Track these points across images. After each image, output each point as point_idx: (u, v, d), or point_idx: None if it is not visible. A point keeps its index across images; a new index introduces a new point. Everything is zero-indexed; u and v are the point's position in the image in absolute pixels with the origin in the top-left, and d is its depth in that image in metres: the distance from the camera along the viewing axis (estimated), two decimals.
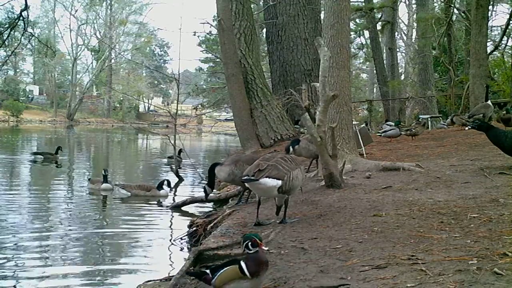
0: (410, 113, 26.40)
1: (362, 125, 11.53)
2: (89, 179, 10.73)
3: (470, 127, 6.22)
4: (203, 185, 6.95)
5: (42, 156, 15.92)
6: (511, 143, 5.68)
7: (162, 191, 9.74)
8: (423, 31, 24.79)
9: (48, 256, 5.54)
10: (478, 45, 14.23)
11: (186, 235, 6.18)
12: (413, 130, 11.23)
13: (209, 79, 37.51)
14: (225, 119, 36.89)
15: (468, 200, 4.46)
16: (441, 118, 18.41)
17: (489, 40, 21.60)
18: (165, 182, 9.98)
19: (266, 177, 4.22)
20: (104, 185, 10.09)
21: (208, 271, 2.82)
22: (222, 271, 2.75)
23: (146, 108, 72.10)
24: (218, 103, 27.78)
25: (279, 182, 4.25)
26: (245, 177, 4.25)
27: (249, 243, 2.75)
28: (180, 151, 14.74)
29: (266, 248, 2.76)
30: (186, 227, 6.46)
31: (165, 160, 16.30)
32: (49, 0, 65.50)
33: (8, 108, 54.43)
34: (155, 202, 9.33)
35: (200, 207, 8.56)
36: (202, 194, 9.68)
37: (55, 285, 4.65)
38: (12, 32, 16.84)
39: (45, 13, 67.49)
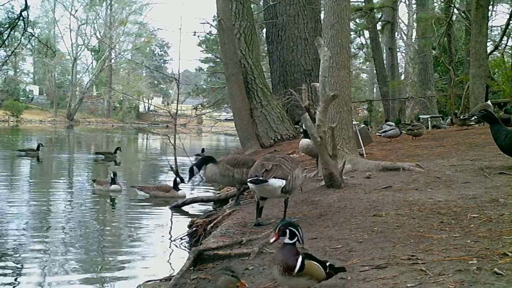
0: (410, 113, 26.41)
1: (362, 125, 11.51)
2: (94, 180, 10.61)
3: (476, 117, 6.32)
4: (193, 166, 6.67)
5: (103, 156, 17.52)
6: (509, 143, 5.66)
7: (180, 192, 9.53)
8: (423, 31, 24.77)
9: (48, 255, 5.54)
10: (478, 45, 14.23)
11: (186, 235, 6.18)
12: (415, 130, 11.16)
13: (209, 79, 37.54)
14: (225, 119, 36.88)
15: (468, 200, 4.46)
16: (441, 119, 18.41)
17: (489, 40, 21.59)
18: (178, 180, 9.76)
19: (273, 177, 4.22)
20: (113, 186, 10.02)
21: None
22: None
23: (146, 108, 72.08)
24: (218, 103, 27.77)
25: (284, 182, 4.25)
26: (254, 178, 4.20)
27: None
28: (203, 150, 17.89)
29: (272, 241, 2.51)
30: (186, 227, 6.46)
31: (193, 158, 17.14)
32: (49, 0, 65.63)
33: (8, 108, 54.48)
34: (156, 202, 9.31)
35: (200, 207, 8.56)
36: (203, 194, 9.76)
37: (55, 284, 4.65)
38: (12, 32, 16.87)
39: (45, 13, 67.65)
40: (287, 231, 2.49)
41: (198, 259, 3.74)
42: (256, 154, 11.78)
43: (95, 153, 18.38)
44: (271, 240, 2.52)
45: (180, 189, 9.68)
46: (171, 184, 9.87)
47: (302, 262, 2.48)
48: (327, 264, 2.64)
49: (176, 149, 13.22)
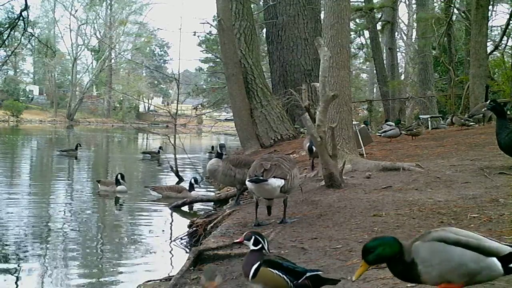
0: (410, 113, 26.38)
1: (362, 125, 11.50)
2: (98, 181, 10.49)
3: (487, 108, 6.95)
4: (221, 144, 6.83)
5: (149, 155, 18.50)
6: (508, 142, 5.64)
7: (193, 193, 9.47)
8: (423, 31, 24.75)
9: (48, 256, 5.54)
10: (478, 45, 14.22)
11: (186, 235, 6.18)
12: (415, 130, 11.16)
13: (209, 79, 37.49)
14: (225, 119, 36.85)
15: (468, 200, 4.46)
16: (441, 119, 18.40)
17: (489, 40, 21.57)
18: (192, 180, 9.75)
19: (273, 177, 4.22)
20: (120, 187, 10.01)
21: None
22: None
23: (146, 108, 72.05)
24: (218, 103, 27.76)
25: (283, 182, 4.26)
26: (253, 178, 4.21)
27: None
28: (213, 147, 17.96)
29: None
30: (186, 227, 6.47)
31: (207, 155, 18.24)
32: (49, 0, 65.50)
33: (8, 108, 54.42)
34: (157, 202, 9.31)
35: (200, 207, 8.56)
36: (203, 194, 9.74)
37: (55, 284, 4.65)
38: (12, 32, 16.88)
39: (45, 13, 67.47)
40: (253, 237, 2.63)
41: (198, 259, 3.74)
42: (256, 154, 11.78)
43: (142, 153, 19.26)
44: (235, 240, 2.76)
45: (194, 189, 9.63)
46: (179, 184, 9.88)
47: (256, 269, 2.56)
48: (307, 274, 2.51)
49: (176, 149, 13.23)
